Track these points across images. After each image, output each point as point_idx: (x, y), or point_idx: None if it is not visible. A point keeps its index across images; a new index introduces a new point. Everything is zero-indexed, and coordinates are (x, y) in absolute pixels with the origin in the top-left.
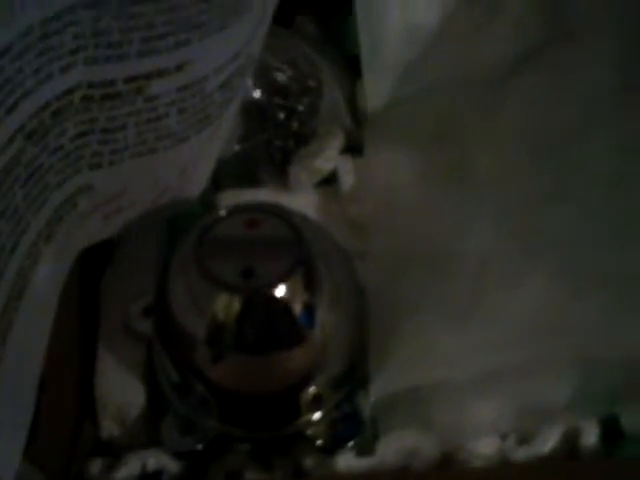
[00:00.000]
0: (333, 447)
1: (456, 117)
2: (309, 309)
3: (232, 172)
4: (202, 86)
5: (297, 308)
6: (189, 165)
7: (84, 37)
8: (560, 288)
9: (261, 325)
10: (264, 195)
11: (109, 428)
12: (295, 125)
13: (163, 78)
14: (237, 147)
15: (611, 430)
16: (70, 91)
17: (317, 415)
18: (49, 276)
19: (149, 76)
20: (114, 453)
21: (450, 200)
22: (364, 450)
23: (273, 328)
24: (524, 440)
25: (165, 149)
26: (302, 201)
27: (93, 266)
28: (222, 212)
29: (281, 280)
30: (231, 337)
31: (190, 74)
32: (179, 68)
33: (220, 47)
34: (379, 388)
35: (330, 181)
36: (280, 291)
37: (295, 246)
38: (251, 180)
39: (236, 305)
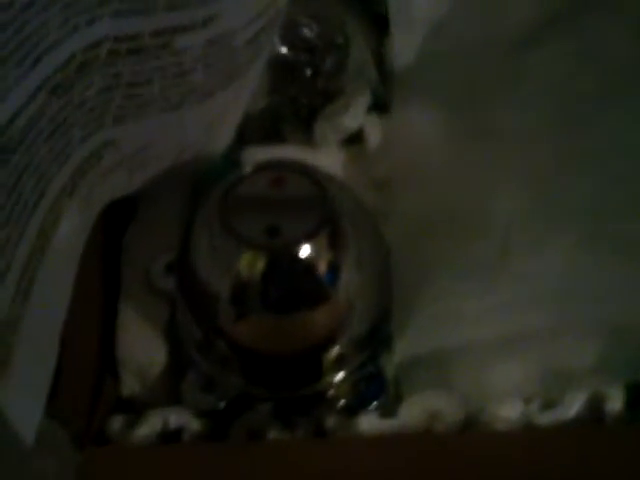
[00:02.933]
0: (356, 407)
1: (482, 79)
2: (334, 268)
3: (257, 128)
4: (229, 41)
5: (322, 267)
6: (215, 120)
7: None
8: (587, 253)
9: (285, 284)
10: (289, 152)
11: (130, 385)
12: (322, 82)
13: (190, 33)
14: (263, 102)
15: (636, 396)
16: (96, 44)
17: (340, 375)
18: (72, 230)
19: (176, 30)
20: (135, 410)
21: (477, 161)
22: (387, 411)
23: (297, 287)
24: (548, 404)
25: (191, 104)
26: (327, 159)
27: (117, 222)
28: (247, 170)
29: (306, 239)
30: (255, 295)
31: (217, 29)
32: (206, 23)
33: (248, 2)
34: (403, 349)
35: (356, 139)
36: (305, 250)
37: (321, 205)
38: (276, 136)
39: (260, 263)
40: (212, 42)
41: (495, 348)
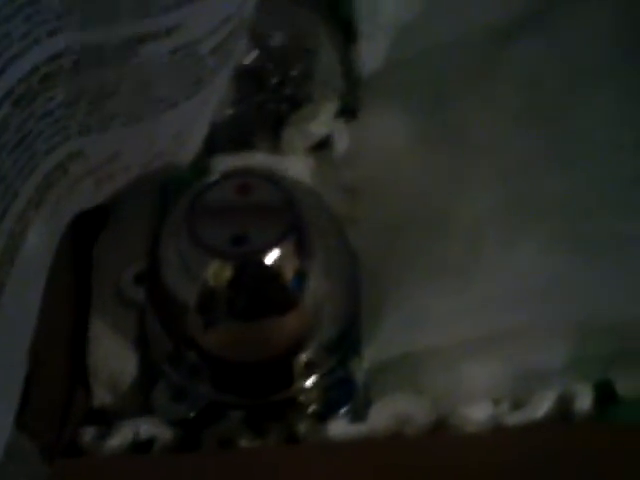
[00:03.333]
0: (326, 413)
1: (453, 81)
2: (301, 275)
3: (225, 136)
4: (194, 50)
5: (289, 274)
6: (181, 130)
7: (72, 0)
8: (556, 253)
9: (252, 292)
10: (257, 159)
11: (101, 396)
12: (289, 89)
13: (154, 42)
14: (230, 111)
15: (605, 395)
16: (58, 55)
17: (310, 381)
18: (40, 242)
19: (139, 40)
20: (107, 421)
21: (446, 164)
22: (357, 416)
23: (264, 294)
24: (518, 405)
25: (157, 114)
26: (295, 165)
27: (86, 233)
28: (213, 178)
29: (273, 246)
30: (222, 304)
31: (181, 38)
32: (170, 32)
33: (212, 10)
34: (372, 354)
35: (324, 145)
36: (272, 257)
37: (287, 212)
38: (244, 144)
39: (227, 272)
40: (176, 51)
41: (464, 349)
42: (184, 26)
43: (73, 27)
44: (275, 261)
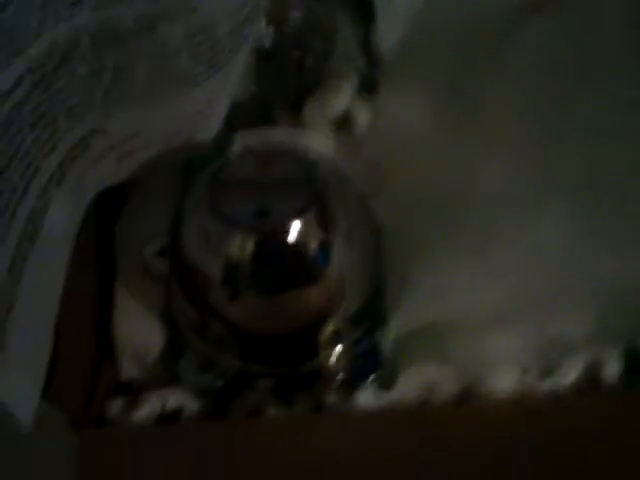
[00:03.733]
0: (353, 382)
1: (469, 60)
2: (324, 247)
3: (247, 113)
4: (211, 32)
5: (312, 246)
6: (202, 108)
7: None
8: (577, 224)
9: (275, 264)
10: (279, 135)
11: (128, 369)
12: (309, 66)
13: (170, 23)
14: (252, 88)
15: (634, 363)
16: (77, 35)
17: (337, 351)
18: (62, 219)
19: (158, 19)
20: (134, 393)
21: (464, 142)
22: (384, 385)
23: (287, 267)
24: (546, 373)
25: (177, 92)
26: (317, 140)
27: (110, 209)
28: (235, 153)
29: (294, 219)
30: (246, 277)
31: (199, 18)
32: (187, 13)
33: None
34: (398, 324)
35: (345, 122)
36: (294, 229)
37: (308, 185)
38: (267, 121)
39: (250, 245)
40: (194, 32)
41: (490, 318)
42: (200, 9)
43: (90, 5)
44: (297, 233)
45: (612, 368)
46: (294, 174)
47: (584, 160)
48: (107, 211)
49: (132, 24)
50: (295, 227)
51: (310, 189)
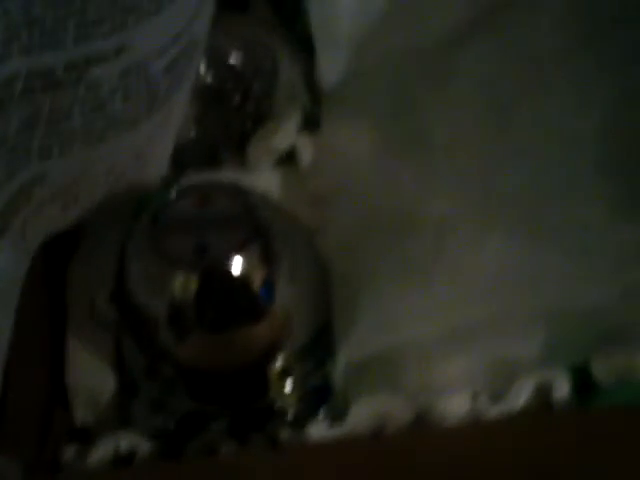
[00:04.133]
0: (305, 416)
1: (410, 87)
2: (267, 283)
3: (192, 155)
4: (145, 70)
5: (255, 283)
6: (143, 151)
7: (17, 27)
8: (521, 244)
9: (220, 301)
10: (225, 175)
11: (82, 414)
12: (251, 107)
13: (103, 64)
14: (193, 131)
15: (583, 381)
16: (9, 81)
17: (287, 387)
18: (8, 268)
19: (88, 62)
20: (88, 438)
21: (408, 169)
22: (336, 419)
23: (231, 304)
24: (496, 397)
25: (114, 136)
26: (262, 180)
27: (59, 255)
28: (174, 192)
29: (235, 253)
30: (191, 316)
31: (130, 58)
32: (118, 52)
33: (158, 29)
34: (346, 355)
35: (290, 158)
36: (235, 265)
37: (248, 220)
38: (212, 162)
39: (192, 283)
40: (127, 71)
41: (438, 345)
42: (132, 46)
43: (20, 53)
44: (239, 269)
45: (562, 388)
46: (233, 209)
47: (530, 173)
48: (58, 257)
49: (63, 68)
50: (236, 262)
51: (250, 224)
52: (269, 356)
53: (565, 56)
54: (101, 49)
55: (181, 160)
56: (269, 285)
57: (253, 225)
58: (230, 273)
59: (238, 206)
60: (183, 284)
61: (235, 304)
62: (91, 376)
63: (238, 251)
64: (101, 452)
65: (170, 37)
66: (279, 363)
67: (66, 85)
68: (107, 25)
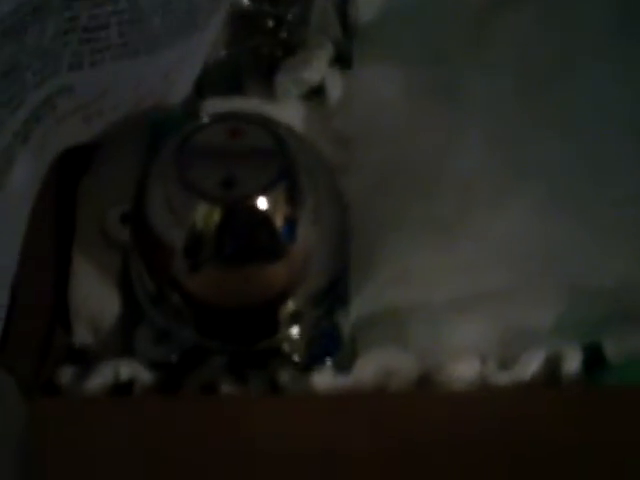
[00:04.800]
0: (310, 363)
1: (449, 39)
2: (290, 223)
3: (217, 80)
4: None
5: (278, 221)
6: (173, 70)
7: None
8: (546, 214)
9: (240, 236)
10: (249, 104)
11: (82, 335)
12: (283, 34)
13: None
14: (223, 53)
15: (594, 358)
16: None
17: (295, 331)
18: (25, 177)
19: None
20: (87, 361)
21: (437, 119)
22: (342, 368)
23: (253, 240)
24: (505, 364)
25: (148, 52)
26: (288, 112)
27: (71, 172)
28: (204, 120)
29: (262, 192)
30: (209, 248)
31: None
32: None
33: None
34: (359, 307)
35: (317, 93)
36: (261, 203)
37: (278, 158)
38: (236, 88)
39: (215, 215)
40: None
41: (452, 307)
42: None
43: None
44: (264, 206)
45: (572, 362)
46: (264, 146)
47: (561, 148)
48: (69, 173)
49: None
50: (262, 201)
51: (280, 162)
52: (282, 297)
53: (608, 29)
54: None
55: (203, 83)
56: (292, 224)
57: (282, 163)
58: (254, 210)
59: (269, 141)
60: (205, 215)
61: (255, 240)
62: (95, 297)
63: (265, 189)
64: (100, 377)
65: None
66: (291, 306)
67: None
68: None
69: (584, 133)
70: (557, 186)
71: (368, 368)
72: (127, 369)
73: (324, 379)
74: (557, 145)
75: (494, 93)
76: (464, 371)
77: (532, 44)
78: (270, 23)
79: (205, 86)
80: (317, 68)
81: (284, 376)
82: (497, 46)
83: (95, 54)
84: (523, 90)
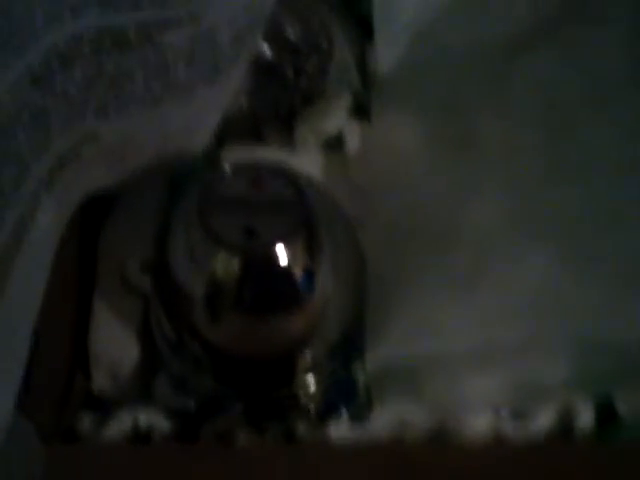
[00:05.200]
0: (326, 413)
1: (466, 87)
2: (309, 273)
3: (237, 128)
4: (212, 38)
5: (297, 271)
6: (195, 118)
7: None
8: (562, 268)
9: (260, 286)
10: (269, 153)
11: (101, 383)
12: (303, 84)
13: (174, 28)
14: (244, 102)
15: (606, 412)
16: (80, 37)
17: (311, 381)
18: (48, 224)
19: (160, 26)
20: (106, 408)
21: (455, 170)
22: (357, 419)
23: (272, 290)
24: (518, 417)
25: (172, 100)
26: (307, 162)
27: (93, 220)
28: (226, 169)
29: (282, 241)
30: (229, 297)
31: (201, 26)
32: (191, 19)
33: (232, 1)
34: (375, 357)
35: (336, 143)
36: (281, 252)
37: (298, 209)
38: (256, 137)
39: (236, 264)
40: (196, 38)
41: (467, 360)
42: (205, 14)
43: (95, 10)
44: (284, 257)
45: (584, 417)
46: (285, 196)
47: (578, 200)
48: (92, 220)
49: (134, 32)
50: (282, 250)
51: (299, 213)
52: (299, 347)
53: (629, 75)
54: (175, 14)
55: (224, 131)
56: (310, 276)
57: (302, 215)
58: (274, 260)
59: (289, 192)
60: (226, 264)
61: (275, 290)
62: (114, 345)
63: (285, 239)
64: (119, 425)
65: (241, 8)
66: (307, 355)
67: (134, 46)
68: None
69: (601, 185)
70: (572, 240)
71: (384, 419)
72: (146, 417)
73: (340, 429)
74: (574, 197)
75: (511, 142)
76: (478, 423)
77: (549, 93)
78: (290, 73)
79: (225, 134)
80: (336, 118)
81: (300, 426)
82: (514, 95)
83: (121, 102)
84: (540, 140)
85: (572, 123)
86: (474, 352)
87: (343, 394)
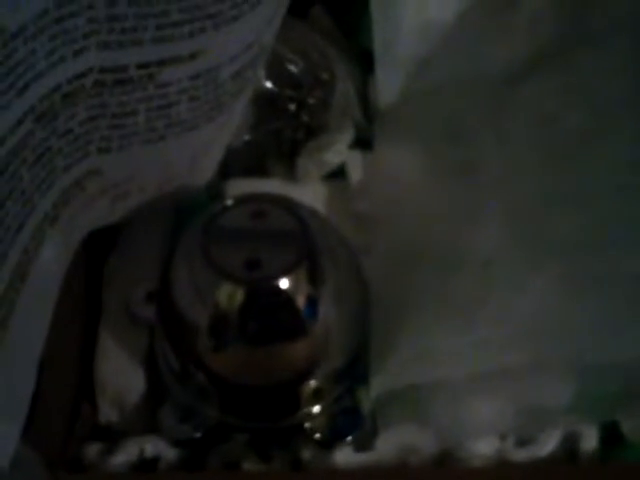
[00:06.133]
0: (332, 441)
1: (467, 116)
2: (312, 302)
3: (240, 162)
4: (215, 75)
5: (300, 301)
6: (198, 153)
7: (98, 21)
8: (564, 291)
9: (264, 316)
10: (272, 186)
11: (107, 413)
12: (305, 117)
13: (176, 66)
14: (247, 136)
15: (611, 435)
16: (82, 75)
17: (317, 408)
18: (53, 258)
19: (162, 63)
20: (112, 438)
21: (457, 199)
22: (363, 445)
23: (275, 320)
24: (523, 441)
25: (175, 136)
26: (310, 194)
27: (98, 251)
28: (229, 201)
29: (285, 272)
30: (233, 327)
31: (203, 63)
32: (192, 56)
33: (234, 37)
34: (379, 384)
35: (339, 174)
36: (284, 283)
37: (300, 239)
38: (259, 170)
39: (239, 295)
40: (198, 75)
41: (471, 385)
42: (207, 52)
43: (98, 48)
44: (287, 287)
45: (589, 440)
46: (287, 227)
47: (579, 225)
48: (97, 252)
49: (136, 67)
50: (285, 281)
51: (302, 244)
52: (304, 375)
53: (630, 102)
54: (177, 52)
55: (227, 165)
56: (313, 304)
57: (304, 244)
58: (277, 290)
59: (291, 223)
60: (229, 296)
61: (278, 321)
62: (120, 374)
63: (288, 270)
64: (125, 454)
65: (243, 45)
66: (312, 383)
67: (136, 83)
68: (186, 28)
69: (602, 209)
70: (574, 264)
71: (389, 445)
72: (152, 446)
73: (346, 456)
74: (574, 221)
75: (514, 167)
76: (483, 448)
77: (549, 120)
78: (292, 107)
79: (229, 168)
80: (338, 150)
81: (306, 453)
82: (514, 122)
83: (123, 139)
84: (540, 166)
85: (573, 149)
86: (478, 377)
87: (348, 420)
